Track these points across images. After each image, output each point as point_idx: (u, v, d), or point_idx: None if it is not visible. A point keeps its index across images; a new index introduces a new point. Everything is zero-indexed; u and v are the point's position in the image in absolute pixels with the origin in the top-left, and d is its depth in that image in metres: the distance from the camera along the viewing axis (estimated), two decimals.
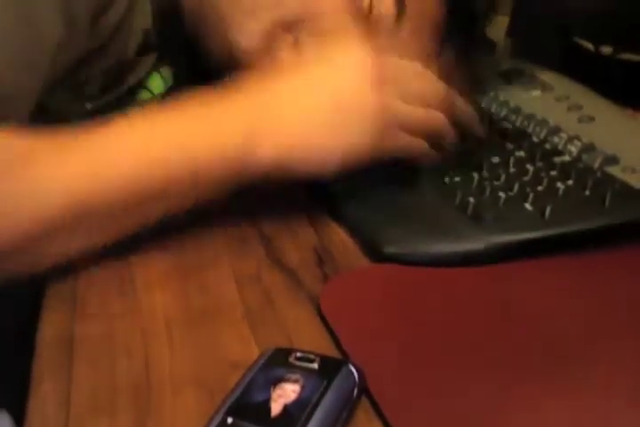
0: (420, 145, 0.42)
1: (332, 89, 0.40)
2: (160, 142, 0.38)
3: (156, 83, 0.55)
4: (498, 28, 0.71)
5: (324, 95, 0.40)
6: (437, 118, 0.42)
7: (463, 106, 0.45)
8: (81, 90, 0.50)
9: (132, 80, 0.53)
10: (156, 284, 0.37)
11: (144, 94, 0.55)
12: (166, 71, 0.56)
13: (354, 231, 0.41)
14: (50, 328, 0.34)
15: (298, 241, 0.41)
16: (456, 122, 0.44)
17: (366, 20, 0.51)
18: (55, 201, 0.35)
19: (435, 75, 0.43)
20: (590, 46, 0.61)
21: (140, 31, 0.50)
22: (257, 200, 0.45)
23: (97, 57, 0.48)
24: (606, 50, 0.60)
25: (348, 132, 0.39)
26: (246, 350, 0.31)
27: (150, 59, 0.53)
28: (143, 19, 0.50)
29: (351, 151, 0.39)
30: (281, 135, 0.39)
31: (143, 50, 0.51)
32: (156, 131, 0.38)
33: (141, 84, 0.54)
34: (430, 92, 0.42)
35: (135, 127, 0.38)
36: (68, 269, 0.38)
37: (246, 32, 0.50)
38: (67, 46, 0.42)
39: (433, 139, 0.42)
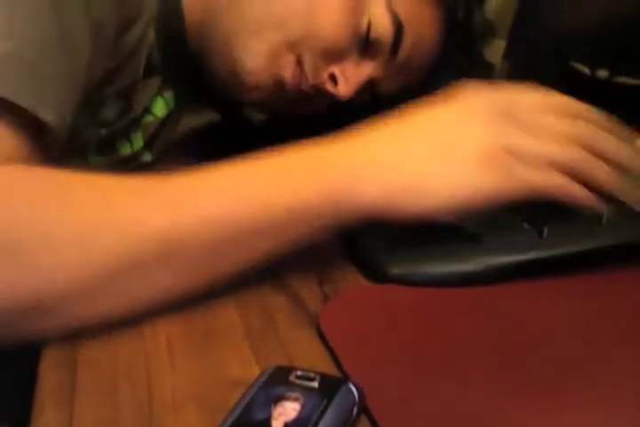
0: (561, 182, 0.35)
1: (439, 129, 0.37)
2: (258, 183, 0.35)
3: (160, 106, 0.56)
4: (496, 51, 0.73)
5: (430, 136, 0.37)
6: (574, 152, 0.36)
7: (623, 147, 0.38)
8: (97, 114, 0.50)
9: (141, 104, 0.53)
10: (157, 307, 0.37)
11: (147, 118, 0.56)
12: (169, 94, 0.57)
13: (355, 252, 0.41)
14: (53, 353, 0.34)
15: (298, 262, 0.41)
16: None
17: (365, 39, 0.52)
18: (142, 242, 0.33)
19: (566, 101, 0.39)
20: (586, 70, 0.62)
21: (144, 48, 0.51)
22: None
23: (114, 77, 0.48)
24: (602, 73, 0.61)
25: (461, 173, 0.35)
26: (247, 369, 0.31)
27: (155, 82, 0.54)
28: (147, 35, 0.51)
29: (468, 192, 0.35)
30: (386, 176, 0.36)
31: (147, 71, 0.52)
32: (254, 172, 0.36)
33: (147, 109, 0.55)
34: (564, 124, 0.37)
35: (235, 169, 0.36)
36: None
37: (251, 52, 0.51)
38: (93, 62, 0.42)
39: (581, 176, 0.36)
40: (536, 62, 0.68)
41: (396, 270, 0.38)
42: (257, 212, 0.34)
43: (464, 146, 0.36)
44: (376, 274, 0.39)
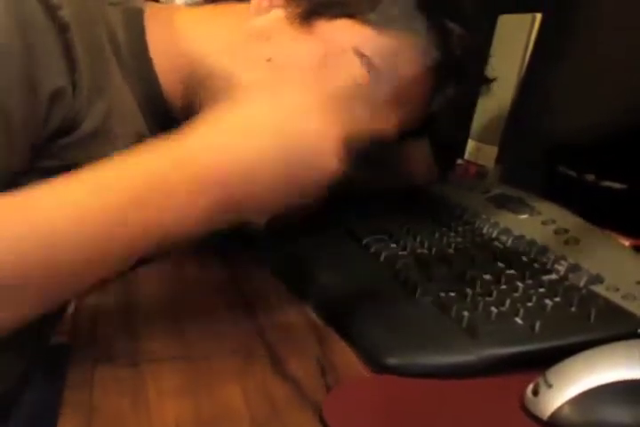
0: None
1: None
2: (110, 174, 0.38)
3: None
4: (488, 156, 0.77)
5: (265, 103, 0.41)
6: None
7: None
8: None
9: None
10: (166, 395, 0.38)
11: None
12: None
13: (355, 342, 0.43)
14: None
15: (301, 351, 0.43)
16: None
17: None
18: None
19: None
20: (574, 174, 0.66)
21: (133, 134, 0.51)
22: (262, 311, 0.48)
23: None
24: (589, 177, 0.64)
25: (306, 126, 0.40)
26: None
27: None
28: (135, 121, 0.52)
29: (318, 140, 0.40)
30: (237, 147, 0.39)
31: None
32: (92, 177, 0.38)
33: None
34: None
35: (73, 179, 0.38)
36: (85, 380, 0.39)
37: None
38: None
39: None
40: (526, 167, 0.72)
41: (393, 361, 0.39)
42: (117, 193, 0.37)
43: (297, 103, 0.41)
44: (374, 364, 0.40)
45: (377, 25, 0.52)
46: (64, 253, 0.36)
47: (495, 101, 0.79)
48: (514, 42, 0.77)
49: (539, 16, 0.74)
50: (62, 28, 0.45)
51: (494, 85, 0.78)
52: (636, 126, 0.61)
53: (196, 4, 0.60)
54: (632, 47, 0.62)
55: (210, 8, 0.58)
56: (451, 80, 0.56)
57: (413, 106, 0.56)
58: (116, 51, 0.51)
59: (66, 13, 0.45)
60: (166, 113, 0.55)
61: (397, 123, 0.56)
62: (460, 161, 0.83)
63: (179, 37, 0.55)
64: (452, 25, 0.54)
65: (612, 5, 0.66)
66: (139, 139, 0.51)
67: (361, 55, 0.51)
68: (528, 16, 0.75)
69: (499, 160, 0.75)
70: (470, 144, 0.83)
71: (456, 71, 0.56)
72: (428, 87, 0.56)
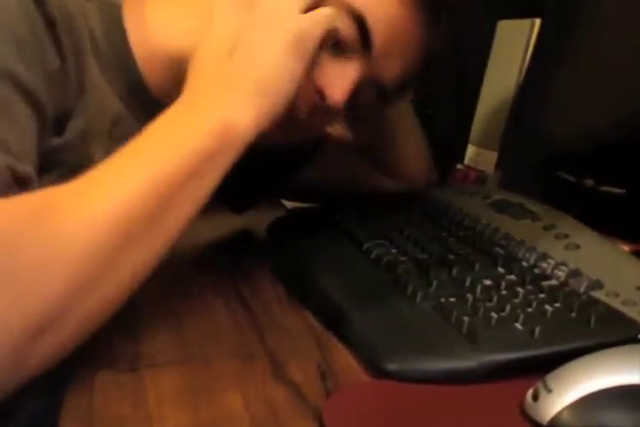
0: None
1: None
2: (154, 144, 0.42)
3: None
4: (487, 161, 0.78)
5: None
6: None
7: None
8: None
9: None
10: (166, 399, 0.38)
11: None
12: None
13: (355, 346, 0.43)
14: None
15: (301, 356, 0.43)
16: None
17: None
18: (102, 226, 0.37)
19: None
20: (573, 179, 0.66)
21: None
22: (262, 314, 0.48)
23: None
24: (588, 182, 0.65)
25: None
26: None
27: None
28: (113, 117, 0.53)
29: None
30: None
31: None
32: (142, 141, 0.42)
33: None
34: None
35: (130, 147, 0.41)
36: (85, 385, 0.39)
37: None
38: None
39: None
40: (526, 172, 0.73)
41: (393, 366, 0.39)
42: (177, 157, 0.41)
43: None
44: (374, 369, 0.40)
45: None
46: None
47: (494, 107, 0.80)
48: (513, 47, 0.77)
49: (538, 21, 0.74)
50: (51, 24, 0.46)
51: (493, 90, 0.79)
52: (634, 132, 0.61)
53: None
54: (631, 52, 0.62)
55: None
56: (438, 19, 0.55)
57: (409, 49, 0.55)
58: (94, 47, 0.51)
59: (53, 9, 0.46)
60: (152, 101, 0.55)
61: (399, 70, 0.55)
62: (459, 166, 0.83)
63: (148, 26, 0.54)
64: None
65: (611, 10, 0.67)
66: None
67: (342, 4, 0.50)
68: (527, 21, 0.76)
69: (498, 165, 0.76)
70: (470, 149, 0.83)
71: (443, 9, 0.55)
72: (418, 29, 0.54)
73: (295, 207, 0.85)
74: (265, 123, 0.45)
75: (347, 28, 0.50)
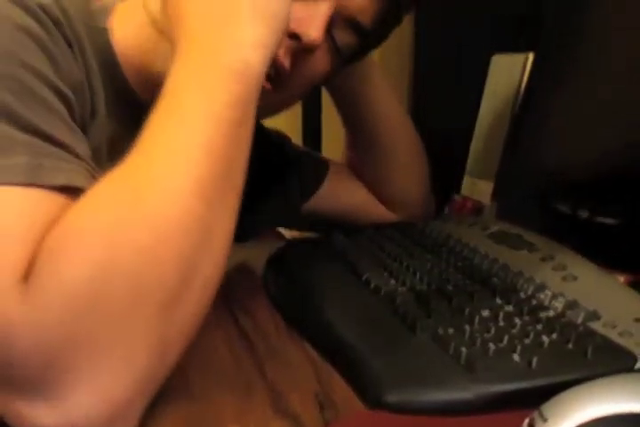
0: None
1: None
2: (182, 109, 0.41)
3: None
4: (484, 192, 0.79)
5: None
6: None
7: None
8: None
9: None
10: None
11: None
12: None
13: (354, 377, 0.43)
14: None
15: (300, 387, 0.43)
16: None
17: None
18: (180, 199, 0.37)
19: None
20: (568, 210, 0.66)
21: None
22: (261, 345, 0.49)
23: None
24: (583, 214, 0.65)
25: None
26: None
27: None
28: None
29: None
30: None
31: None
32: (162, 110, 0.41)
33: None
34: None
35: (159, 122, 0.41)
36: None
37: None
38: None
39: None
40: (521, 202, 0.73)
41: (391, 398, 0.39)
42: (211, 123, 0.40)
43: None
44: (373, 400, 0.40)
45: None
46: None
47: (490, 138, 0.81)
48: (507, 80, 0.78)
49: (531, 56, 0.76)
50: (69, 44, 0.48)
51: (489, 122, 0.80)
52: (627, 164, 0.62)
53: None
54: (624, 87, 0.64)
55: None
56: None
57: None
58: (81, 48, 0.51)
59: (68, 31, 0.48)
60: (135, 103, 0.56)
61: (367, 3, 0.56)
62: (456, 196, 0.84)
63: (113, 35, 0.56)
64: None
65: (604, 46, 0.68)
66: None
67: None
68: (521, 56, 0.77)
69: (495, 196, 0.76)
70: (466, 180, 0.84)
71: None
72: None
73: (294, 237, 0.86)
74: (269, 50, 0.44)
75: None
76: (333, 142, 1.00)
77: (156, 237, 0.35)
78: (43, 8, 0.45)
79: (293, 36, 0.52)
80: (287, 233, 0.87)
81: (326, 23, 0.53)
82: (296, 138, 0.90)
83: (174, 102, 0.41)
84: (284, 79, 0.54)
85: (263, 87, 0.45)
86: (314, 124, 1.16)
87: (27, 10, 0.44)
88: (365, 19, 0.57)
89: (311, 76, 0.58)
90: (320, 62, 0.57)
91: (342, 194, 0.80)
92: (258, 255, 0.71)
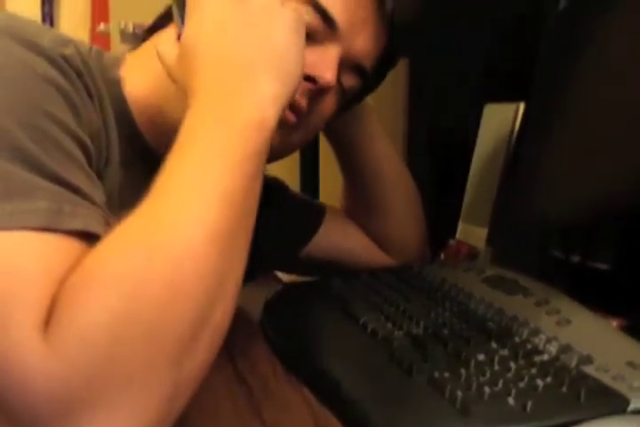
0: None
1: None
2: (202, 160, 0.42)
3: None
4: (478, 237, 0.80)
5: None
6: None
7: None
8: None
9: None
10: None
11: None
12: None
13: (350, 421, 0.44)
14: None
15: (292, 417, 0.43)
16: None
17: None
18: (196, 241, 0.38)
19: None
20: (561, 255, 0.68)
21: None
22: (260, 390, 0.49)
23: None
24: (575, 259, 0.67)
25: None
26: None
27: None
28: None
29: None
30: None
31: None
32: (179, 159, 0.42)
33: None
34: None
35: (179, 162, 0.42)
36: None
37: None
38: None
39: None
40: (515, 248, 0.75)
41: None
42: (225, 179, 0.41)
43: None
44: None
45: None
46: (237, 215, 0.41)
47: (483, 185, 0.83)
48: (500, 128, 0.81)
49: (522, 105, 0.79)
50: (89, 94, 0.50)
51: (482, 169, 0.82)
52: (617, 210, 0.64)
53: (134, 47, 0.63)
54: (612, 137, 0.66)
55: (146, 45, 0.61)
56: None
57: (369, 23, 0.59)
58: (100, 98, 0.53)
59: (89, 81, 0.49)
60: (146, 150, 0.58)
61: (367, 45, 0.60)
62: (451, 241, 0.85)
63: (126, 85, 0.58)
64: None
65: (591, 98, 0.71)
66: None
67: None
68: (512, 105, 0.80)
69: (489, 241, 0.78)
70: (461, 225, 0.86)
71: None
72: (372, 4, 0.59)
73: (291, 281, 0.86)
74: (283, 105, 0.46)
75: (312, 18, 0.56)
76: (331, 190, 1.02)
77: (171, 288, 0.36)
78: (66, 59, 0.47)
79: (308, 78, 0.55)
80: (284, 277, 0.88)
81: (337, 66, 0.57)
82: (294, 185, 0.92)
83: (190, 154, 0.42)
84: (301, 119, 0.57)
85: (287, 120, 0.48)
86: (311, 171, 1.19)
87: (51, 61, 0.45)
88: (367, 62, 0.61)
89: (323, 116, 0.61)
90: (329, 102, 0.61)
91: (339, 238, 0.81)
92: (255, 299, 0.72)
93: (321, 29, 0.56)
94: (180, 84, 0.52)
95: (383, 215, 0.80)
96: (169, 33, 0.56)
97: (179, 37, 0.51)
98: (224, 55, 0.47)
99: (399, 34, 0.63)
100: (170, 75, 0.54)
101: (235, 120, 0.43)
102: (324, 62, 0.56)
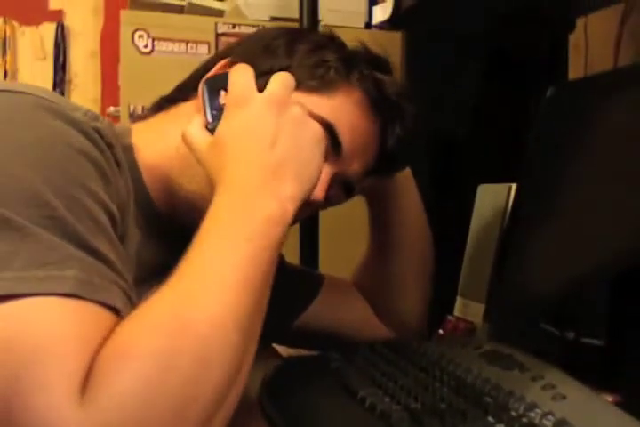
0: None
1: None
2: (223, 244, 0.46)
3: None
4: (475, 312, 0.81)
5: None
6: None
7: None
8: None
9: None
10: None
11: None
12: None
13: None
14: None
15: None
16: None
17: None
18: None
19: None
20: (555, 331, 0.69)
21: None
22: None
23: None
24: (569, 335, 0.68)
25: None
26: None
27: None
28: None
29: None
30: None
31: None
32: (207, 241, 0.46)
33: None
34: None
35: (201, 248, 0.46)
36: None
37: None
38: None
39: None
40: (511, 324, 0.76)
41: None
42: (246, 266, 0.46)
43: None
44: None
45: (319, 89, 0.62)
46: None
47: (479, 262, 0.85)
48: (493, 208, 0.84)
49: (514, 186, 0.82)
50: (118, 163, 0.53)
51: (477, 247, 0.85)
52: (610, 287, 0.65)
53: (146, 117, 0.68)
54: (601, 215, 0.69)
55: (160, 116, 0.66)
56: (394, 121, 0.66)
57: (368, 150, 0.67)
58: (123, 167, 0.56)
59: (110, 134, 0.52)
60: (155, 214, 0.62)
61: (360, 168, 0.66)
62: (449, 317, 0.86)
63: (138, 153, 0.62)
64: (379, 74, 0.65)
65: (584, 177, 0.74)
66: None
67: (317, 117, 0.60)
68: (505, 186, 0.84)
69: (486, 317, 0.79)
70: (458, 301, 0.87)
71: (396, 112, 0.66)
72: (376, 131, 0.66)
73: (290, 355, 0.86)
74: (297, 206, 0.52)
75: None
76: (330, 262, 1.03)
77: (200, 362, 0.39)
78: (99, 132, 0.50)
79: None
80: (283, 350, 0.88)
81: (328, 186, 0.63)
82: (294, 258, 0.94)
83: (215, 239, 0.47)
84: None
85: None
86: (311, 245, 1.20)
87: (85, 134, 0.49)
88: (354, 177, 0.68)
89: (304, 215, 0.65)
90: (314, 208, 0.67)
91: (337, 308, 0.82)
92: (253, 373, 0.71)
93: (326, 150, 0.60)
94: (204, 167, 0.56)
95: (397, 290, 0.81)
96: (190, 113, 0.61)
97: (206, 125, 0.57)
98: (256, 156, 0.52)
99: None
100: (197, 158, 0.57)
101: (258, 213, 0.48)
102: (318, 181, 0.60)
